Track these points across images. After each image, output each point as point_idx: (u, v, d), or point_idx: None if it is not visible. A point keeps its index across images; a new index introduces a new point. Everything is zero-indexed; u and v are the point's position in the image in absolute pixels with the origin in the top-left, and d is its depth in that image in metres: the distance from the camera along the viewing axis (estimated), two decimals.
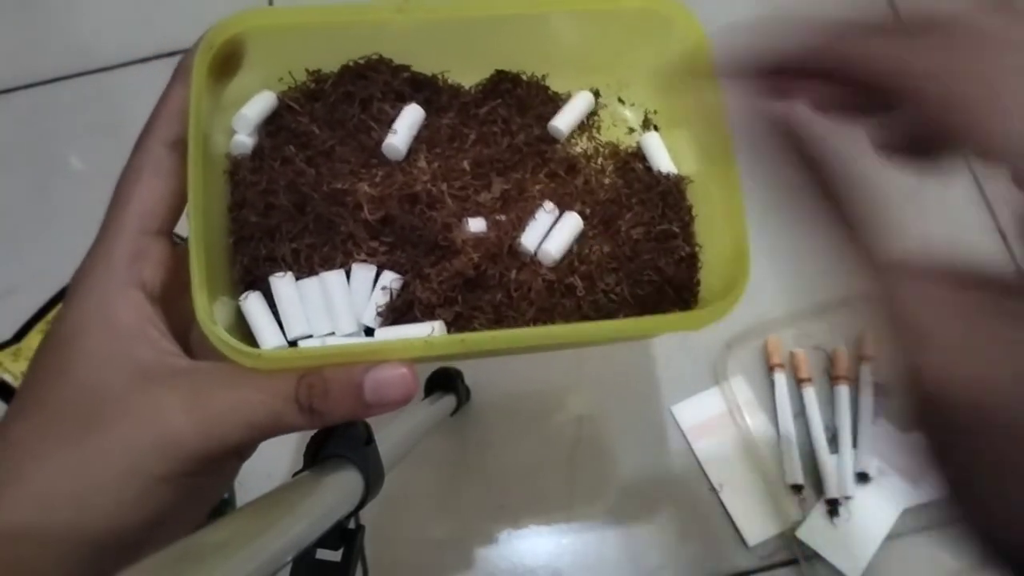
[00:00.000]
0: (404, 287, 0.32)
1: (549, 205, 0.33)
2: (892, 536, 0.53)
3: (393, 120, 0.34)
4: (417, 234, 0.32)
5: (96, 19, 0.72)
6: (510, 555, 0.54)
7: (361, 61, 0.35)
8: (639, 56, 0.36)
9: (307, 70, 0.35)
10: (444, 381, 0.53)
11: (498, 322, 0.32)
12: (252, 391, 0.27)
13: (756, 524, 0.54)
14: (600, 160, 0.36)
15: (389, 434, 0.38)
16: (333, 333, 0.31)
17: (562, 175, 0.35)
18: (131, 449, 0.26)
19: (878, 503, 0.54)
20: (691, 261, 0.34)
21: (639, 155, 0.36)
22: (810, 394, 0.57)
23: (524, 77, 0.37)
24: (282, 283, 0.31)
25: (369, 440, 0.33)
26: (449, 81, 0.36)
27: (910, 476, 0.52)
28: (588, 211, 0.34)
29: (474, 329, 0.31)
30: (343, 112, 0.34)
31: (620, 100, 0.38)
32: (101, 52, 0.71)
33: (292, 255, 0.32)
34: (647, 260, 0.34)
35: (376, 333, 0.31)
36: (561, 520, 0.55)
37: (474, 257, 0.32)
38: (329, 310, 0.31)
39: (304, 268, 0.32)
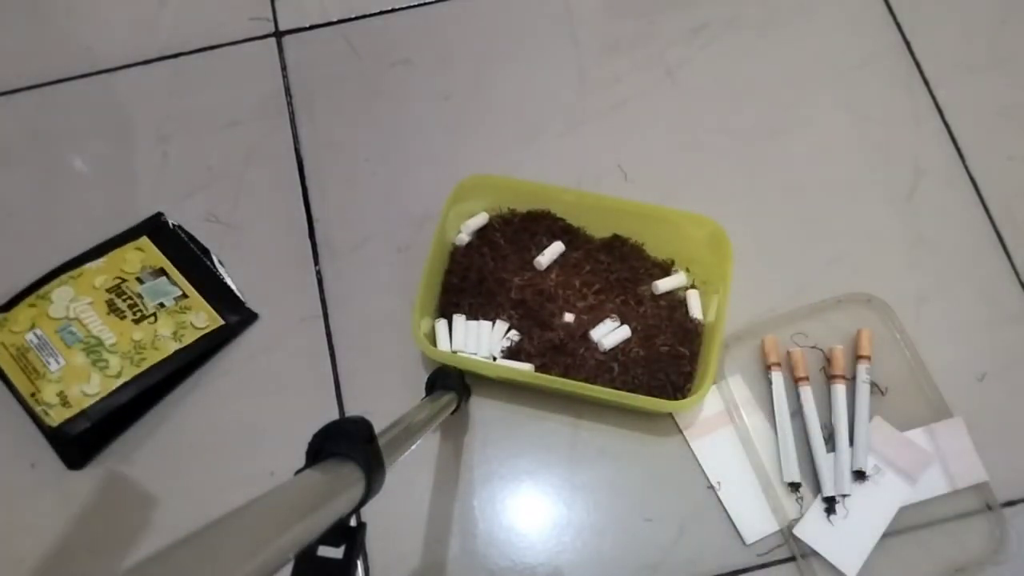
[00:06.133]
0: (519, 340, 0.57)
1: (614, 318, 0.57)
2: (889, 533, 0.53)
3: (545, 247, 0.60)
4: (535, 313, 0.57)
5: (100, 21, 0.72)
6: (511, 553, 0.54)
7: (537, 210, 0.61)
8: (697, 247, 0.59)
9: (508, 208, 0.62)
10: (444, 380, 0.52)
11: (564, 375, 0.56)
12: None
13: (754, 522, 0.54)
14: (661, 301, 0.60)
15: (390, 432, 0.38)
16: (476, 353, 0.57)
17: (631, 303, 0.59)
18: None
19: (875, 501, 0.54)
20: (688, 376, 0.56)
21: (685, 303, 0.59)
22: (807, 393, 0.56)
23: (630, 241, 0.61)
24: (458, 319, 0.58)
25: (370, 438, 0.33)
26: (586, 232, 0.62)
27: (906, 474, 0.54)
28: (639, 327, 0.58)
29: (548, 374, 0.56)
30: (519, 236, 0.61)
31: (687, 270, 0.61)
32: (105, 54, 0.71)
33: (467, 306, 0.59)
34: (663, 366, 0.56)
35: (497, 360, 0.57)
36: (561, 518, 0.55)
37: (561, 335, 0.56)
38: (478, 340, 0.58)
39: (471, 314, 0.58)
